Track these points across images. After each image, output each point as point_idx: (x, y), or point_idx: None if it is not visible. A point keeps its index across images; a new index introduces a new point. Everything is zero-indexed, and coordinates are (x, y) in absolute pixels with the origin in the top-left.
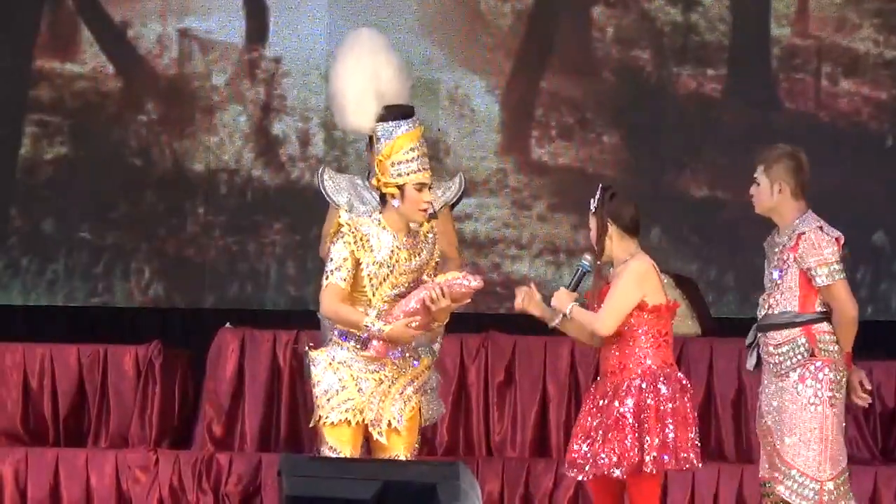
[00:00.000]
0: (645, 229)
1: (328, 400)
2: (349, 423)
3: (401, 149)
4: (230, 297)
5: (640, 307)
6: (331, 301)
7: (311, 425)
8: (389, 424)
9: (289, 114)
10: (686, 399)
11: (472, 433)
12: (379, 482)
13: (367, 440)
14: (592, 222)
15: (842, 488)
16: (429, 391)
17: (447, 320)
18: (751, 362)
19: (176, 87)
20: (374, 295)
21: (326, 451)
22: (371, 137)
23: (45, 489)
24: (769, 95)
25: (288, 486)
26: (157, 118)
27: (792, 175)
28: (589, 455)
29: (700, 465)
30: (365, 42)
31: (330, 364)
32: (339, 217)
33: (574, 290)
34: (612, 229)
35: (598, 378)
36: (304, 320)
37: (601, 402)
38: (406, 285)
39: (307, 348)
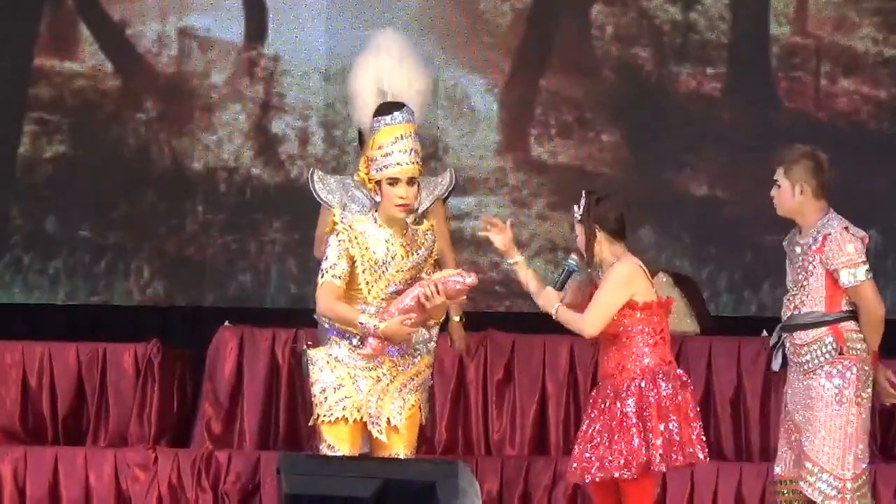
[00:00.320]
0: (644, 228)
1: (326, 398)
2: (346, 420)
3: (380, 143)
4: (229, 295)
5: (631, 307)
6: (326, 299)
7: (310, 424)
8: (389, 422)
9: (288, 112)
10: (687, 394)
11: (470, 431)
12: (378, 480)
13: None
14: (579, 228)
15: (863, 488)
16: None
17: (443, 318)
18: (776, 363)
19: (175, 85)
20: (368, 292)
21: (325, 450)
22: (360, 136)
23: (44, 488)
24: (768, 94)
25: (287, 485)
26: (156, 116)
27: (813, 175)
28: (594, 459)
29: (707, 458)
30: (381, 42)
31: (328, 362)
32: (334, 215)
33: (560, 289)
34: (601, 235)
35: (599, 382)
36: (304, 318)
37: (603, 406)
38: (403, 282)
39: (305, 347)
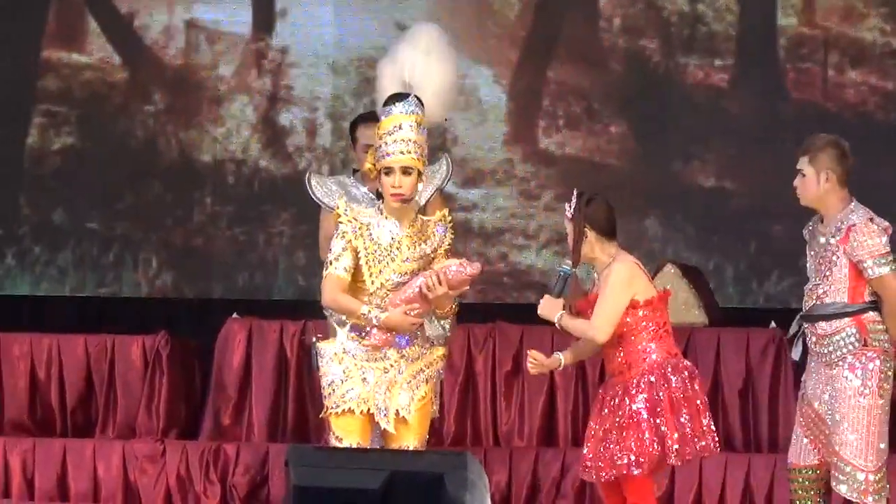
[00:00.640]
0: (651, 219)
1: (333, 390)
2: (353, 412)
3: (381, 133)
4: (238, 287)
5: (634, 306)
6: (330, 291)
7: (320, 416)
8: (397, 414)
9: (296, 104)
10: (696, 385)
11: (479, 423)
12: (386, 472)
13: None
14: (569, 227)
15: (884, 480)
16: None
17: (452, 308)
18: (796, 352)
19: (183, 77)
20: (372, 283)
21: (334, 442)
22: (352, 134)
23: (52, 480)
24: (776, 85)
25: (295, 476)
26: (163, 108)
27: (838, 163)
28: (606, 457)
29: (718, 449)
30: (413, 33)
31: (335, 354)
32: (338, 207)
33: (559, 296)
34: (591, 234)
35: (606, 379)
36: (312, 310)
37: (612, 403)
38: (411, 273)
39: (314, 340)
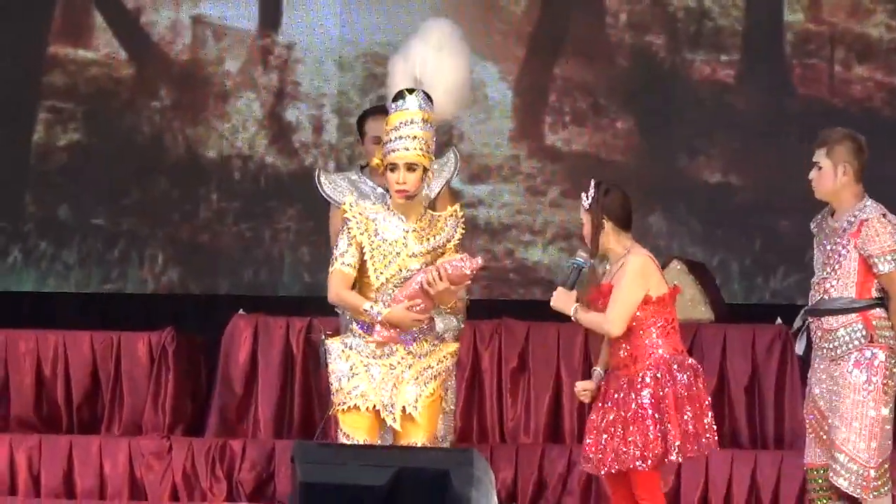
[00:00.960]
0: (656, 214)
1: (340, 387)
2: (358, 408)
3: (388, 129)
4: (244, 283)
5: (646, 301)
6: (335, 287)
7: (329, 413)
8: (404, 410)
9: (302, 100)
10: (700, 383)
11: (485, 419)
12: (393, 468)
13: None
14: (586, 218)
15: (884, 476)
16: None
17: (457, 303)
18: (800, 346)
19: (189, 73)
20: (377, 279)
21: (342, 438)
22: (360, 128)
23: (58, 476)
24: (782, 81)
25: (301, 473)
26: (170, 104)
27: (855, 156)
28: (609, 450)
29: (718, 447)
30: (426, 29)
31: (342, 351)
32: (345, 203)
33: (571, 288)
34: (608, 225)
35: (609, 372)
36: (318, 307)
37: (616, 396)
38: (418, 269)
39: (323, 337)
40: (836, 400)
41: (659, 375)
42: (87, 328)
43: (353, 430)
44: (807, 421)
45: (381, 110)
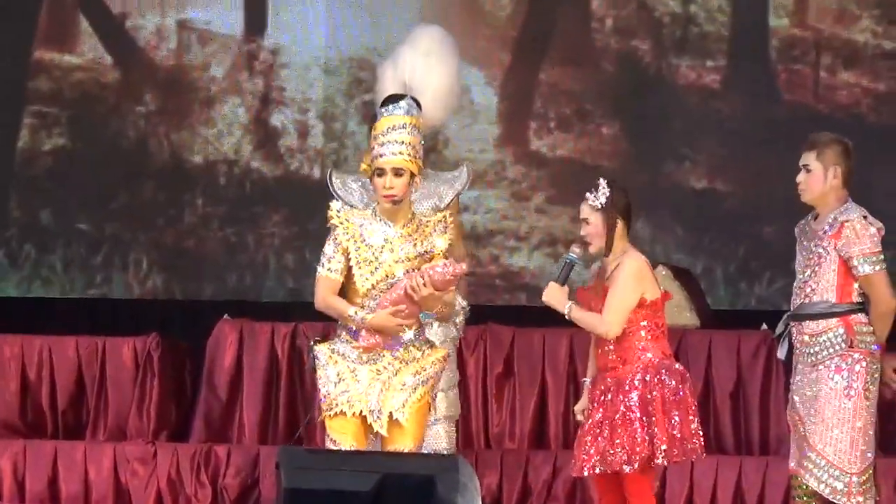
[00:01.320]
0: (642, 220)
1: (328, 392)
2: (345, 414)
3: (375, 134)
4: (229, 288)
5: (640, 304)
6: (321, 292)
7: (318, 419)
8: (391, 416)
9: (287, 105)
10: (687, 389)
11: (470, 425)
12: (378, 474)
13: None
14: (596, 216)
15: (868, 482)
16: (454, 387)
17: (443, 309)
18: (782, 351)
19: (174, 78)
20: (363, 285)
21: (329, 444)
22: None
23: (43, 481)
24: (768, 87)
25: (286, 479)
26: (155, 109)
27: (844, 160)
28: (594, 452)
29: (704, 453)
30: (415, 35)
31: (330, 357)
32: (330, 209)
33: (563, 283)
34: (620, 224)
35: (596, 374)
36: (304, 312)
37: (603, 398)
38: (404, 275)
39: (313, 342)
40: (817, 405)
41: (647, 378)
42: (73, 333)
43: (340, 435)
44: (790, 426)
45: None
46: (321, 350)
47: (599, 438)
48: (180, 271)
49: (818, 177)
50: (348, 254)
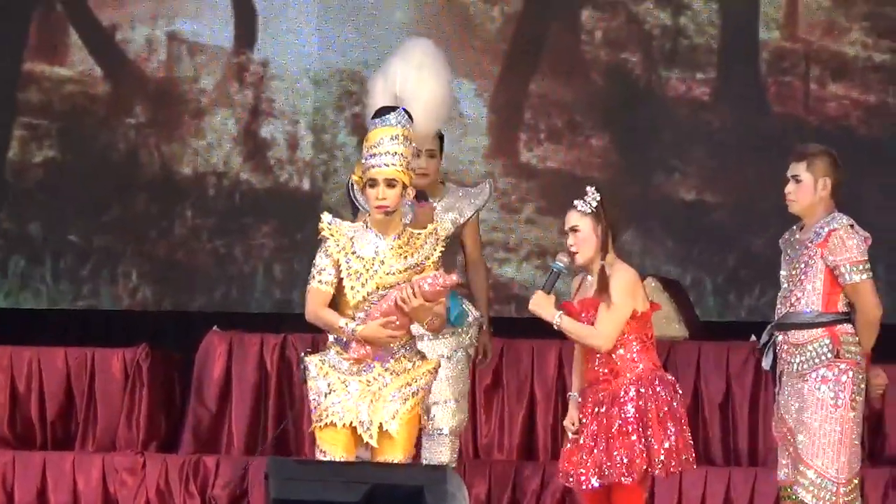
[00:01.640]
0: (633, 232)
1: (318, 404)
2: (335, 425)
3: (367, 145)
4: (218, 300)
5: (632, 316)
6: (312, 304)
7: (309, 430)
8: (381, 427)
9: (277, 117)
10: (679, 399)
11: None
12: (367, 485)
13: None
14: (585, 222)
15: (855, 492)
16: (464, 396)
17: (433, 321)
18: (767, 361)
19: (164, 90)
20: (353, 297)
21: (319, 455)
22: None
23: (32, 492)
24: (758, 99)
25: (275, 490)
26: (145, 121)
27: (834, 171)
28: (591, 464)
29: (695, 464)
30: (406, 47)
31: (321, 368)
32: (321, 222)
33: (549, 292)
34: (610, 233)
35: (586, 387)
36: (293, 324)
37: (596, 410)
38: (395, 286)
39: (303, 354)
40: (804, 416)
41: (643, 390)
42: (62, 344)
43: (330, 446)
44: (777, 438)
45: None
46: (312, 361)
47: (595, 451)
48: (170, 283)
49: (808, 188)
50: (339, 266)
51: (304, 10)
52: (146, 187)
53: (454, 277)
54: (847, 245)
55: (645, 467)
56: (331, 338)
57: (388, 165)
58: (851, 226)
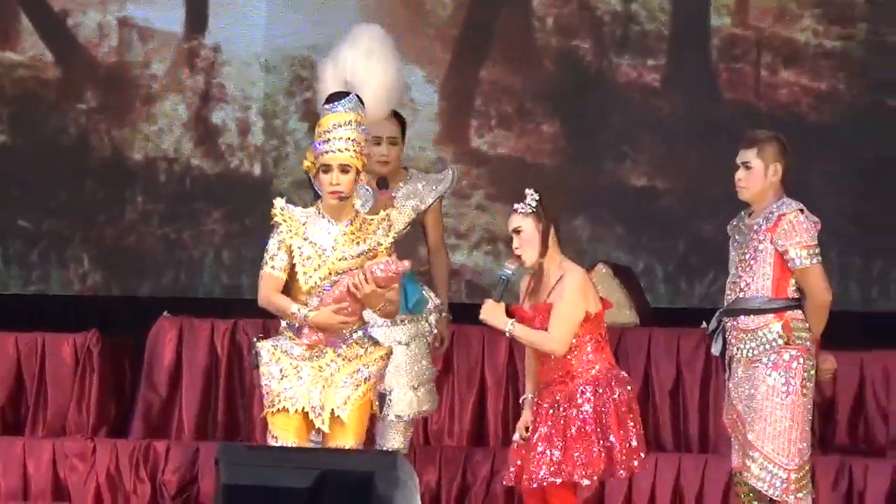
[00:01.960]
0: (582, 218)
1: (271, 390)
2: (287, 411)
3: (319, 131)
4: (167, 285)
5: (585, 317)
6: (264, 290)
7: (262, 416)
8: (332, 413)
9: (228, 102)
10: (633, 397)
11: None
12: (316, 471)
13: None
14: (527, 223)
15: (806, 478)
16: (426, 383)
17: (386, 306)
18: (716, 347)
19: (115, 75)
20: (306, 283)
21: (271, 441)
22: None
23: None
24: (709, 85)
25: (224, 475)
26: (96, 106)
27: (784, 157)
28: (542, 464)
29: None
30: (354, 34)
31: (273, 354)
32: (274, 207)
33: (499, 300)
34: (553, 235)
35: (542, 388)
36: (243, 309)
37: (552, 412)
38: (347, 272)
39: (255, 339)
40: (754, 403)
41: (600, 390)
42: (12, 329)
43: (282, 432)
44: (727, 424)
45: None
46: (264, 347)
47: (550, 451)
48: (120, 268)
49: (758, 174)
50: (291, 251)
51: None
52: (97, 172)
53: (406, 264)
54: (797, 229)
55: (605, 467)
56: (283, 323)
57: (341, 151)
58: (801, 210)
